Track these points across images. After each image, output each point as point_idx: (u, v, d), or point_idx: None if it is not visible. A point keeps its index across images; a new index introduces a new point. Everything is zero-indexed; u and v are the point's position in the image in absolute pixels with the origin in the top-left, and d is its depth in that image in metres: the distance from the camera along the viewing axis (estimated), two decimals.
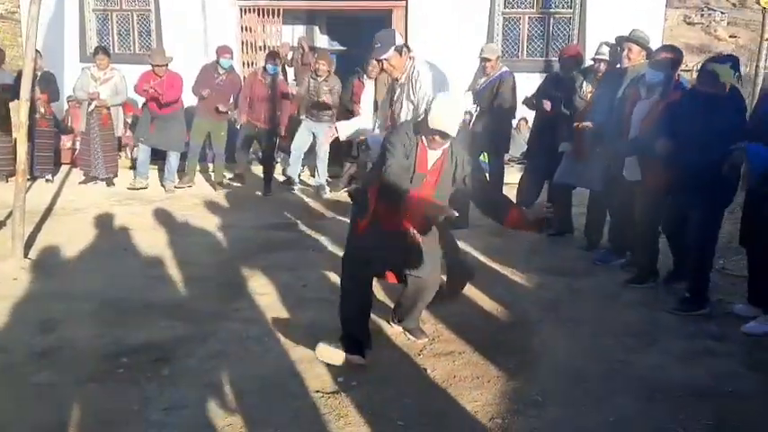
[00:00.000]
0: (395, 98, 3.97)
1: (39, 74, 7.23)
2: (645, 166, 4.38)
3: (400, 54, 3.77)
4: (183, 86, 7.46)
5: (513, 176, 6.85)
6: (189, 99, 7.74)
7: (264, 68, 7.49)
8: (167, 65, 7.34)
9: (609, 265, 4.99)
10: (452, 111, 3.15)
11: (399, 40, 3.78)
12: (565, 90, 5.59)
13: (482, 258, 5.16)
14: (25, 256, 4.88)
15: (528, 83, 6.65)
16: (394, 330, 3.74)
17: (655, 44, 5.11)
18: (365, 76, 7.19)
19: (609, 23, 7.84)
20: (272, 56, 7.62)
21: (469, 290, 4.40)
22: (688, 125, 3.94)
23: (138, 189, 7.46)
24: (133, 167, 8.11)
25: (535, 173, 6.06)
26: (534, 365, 3.41)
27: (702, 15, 28.29)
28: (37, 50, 7.66)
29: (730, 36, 26.55)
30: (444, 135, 3.12)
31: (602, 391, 3.13)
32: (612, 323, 3.95)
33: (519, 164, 8.55)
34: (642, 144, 4.29)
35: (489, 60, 6.02)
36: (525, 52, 9.38)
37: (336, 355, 3.28)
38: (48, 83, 7.60)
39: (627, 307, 4.23)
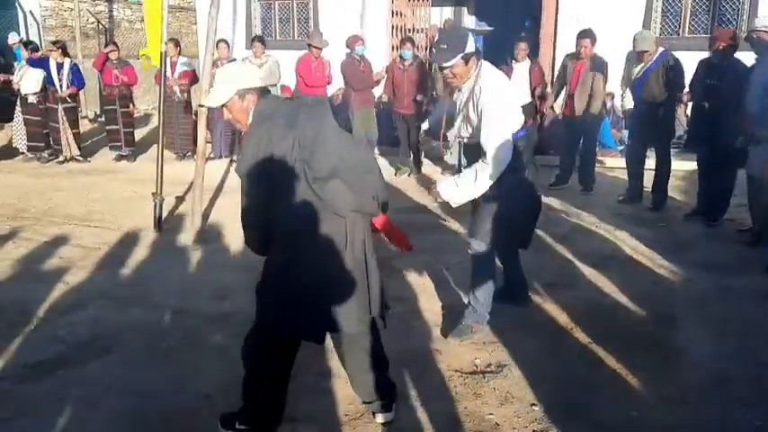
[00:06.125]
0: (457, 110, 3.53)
1: (224, 63, 8.00)
2: None
3: (466, 63, 3.26)
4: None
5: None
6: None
7: (400, 56, 7.65)
8: (322, 49, 7.80)
9: None
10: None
11: (471, 47, 3.24)
12: (720, 78, 5.33)
13: (628, 249, 5.07)
14: (201, 229, 5.53)
15: (689, 63, 6.31)
16: (531, 316, 3.85)
17: None
18: (513, 61, 7.16)
19: None
20: (405, 41, 7.67)
21: (612, 281, 4.38)
22: None
23: None
24: None
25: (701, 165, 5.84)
26: (675, 362, 3.37)
27: None
28: (224, 40, 8.52)
29: None
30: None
31: (748, 395, 3.04)
32: (764, 324, 3.78)
33: (673, 147, 8.14)
34: None
35: (646, 52, 5.79)
36: (687, 29, 8.81)
37: None
38: None
39: None
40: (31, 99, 8.46)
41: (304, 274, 2.52)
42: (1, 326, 3.81)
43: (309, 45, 7.87)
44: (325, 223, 2.50)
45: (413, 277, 4.52)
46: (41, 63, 8.42)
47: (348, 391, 2.93)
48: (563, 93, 6.92)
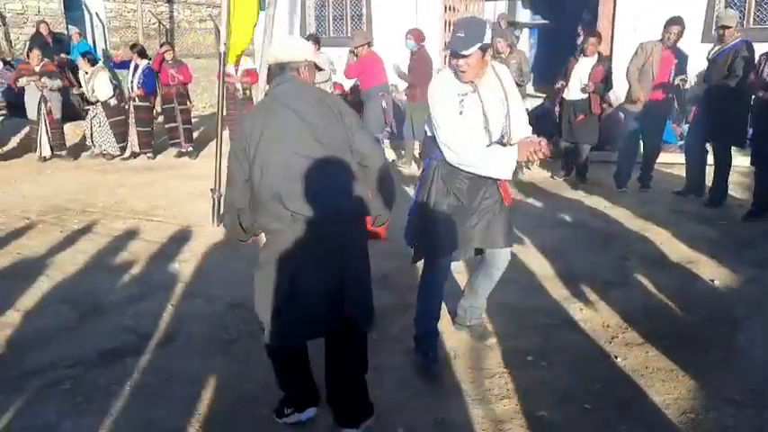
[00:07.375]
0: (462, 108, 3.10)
1: None
2: None
3: (483, 55, 2.99)
4: (379, 67, 7.76)
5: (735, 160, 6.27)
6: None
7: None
8: (363, 45, 7.72)
9: None
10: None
11: (488, 37, 2.96)
12: None
13: (688, 248, 4.96)
14: None
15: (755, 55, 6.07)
16: (583, 315, 3.83)
17: None
18: (582, 55, 6.96)
19: None
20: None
21: (669, 280, 4.31)
22: None
23: None
24: None
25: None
26: (735, 363, 3.31)
27: None
28: None
29: None
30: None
31: None
32: None
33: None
34: None
35: (729, 28, 5.58)
36: (752, 19, 8.50)
37: None
38: None
39: None
40: (112, 102, 8.95)
41: (288, 277, 2.56)
42: (74, 315, 4.04)
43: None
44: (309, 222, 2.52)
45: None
46: (123, 66, 9.21)
47: (373, 387, 2.93)
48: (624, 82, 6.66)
